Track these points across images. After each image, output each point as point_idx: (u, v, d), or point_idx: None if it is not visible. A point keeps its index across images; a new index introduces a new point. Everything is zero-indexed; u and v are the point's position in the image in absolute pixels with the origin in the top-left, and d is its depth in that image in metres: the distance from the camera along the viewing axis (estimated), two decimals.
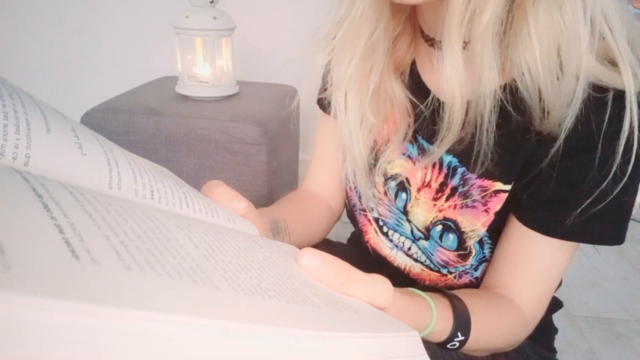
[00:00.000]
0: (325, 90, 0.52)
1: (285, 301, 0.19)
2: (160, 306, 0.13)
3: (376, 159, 0.52)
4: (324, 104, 0.57)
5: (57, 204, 0.16)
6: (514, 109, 0.40)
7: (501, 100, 0.40)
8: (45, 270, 0.11)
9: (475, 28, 0.37)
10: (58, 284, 0.11)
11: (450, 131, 0.42)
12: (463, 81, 0.39)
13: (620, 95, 0.36)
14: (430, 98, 0.46)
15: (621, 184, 0.37)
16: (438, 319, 0.36)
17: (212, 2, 1.03)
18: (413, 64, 0.51)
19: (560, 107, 0.37)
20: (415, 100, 0.49)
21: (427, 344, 0.37)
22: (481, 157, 0.42)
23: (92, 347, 0.11)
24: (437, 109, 0.47)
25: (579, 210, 0.39)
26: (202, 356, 0.13)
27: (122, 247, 0.15)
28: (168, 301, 0.13)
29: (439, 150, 0.44)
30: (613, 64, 0.37)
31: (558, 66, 0.37)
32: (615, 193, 0.38)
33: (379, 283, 0.29)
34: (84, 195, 0.18)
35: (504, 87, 0.40)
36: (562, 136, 0.38)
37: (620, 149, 0.36)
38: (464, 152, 0.44)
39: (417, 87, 0.50)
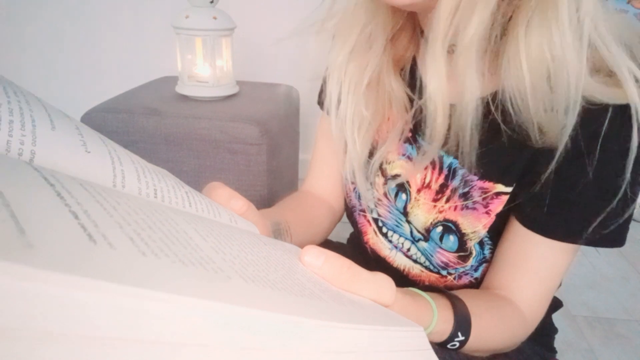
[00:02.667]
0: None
1: (294, 294, 0.19)
2: (177, 289, 0.13)
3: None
4: (325, 104, 0.57)
5: (69, 192, 0.16)
6: (504, 120, 0.40)
7: (489, 106, 0.40)
8: (66, 250, 0.12)
9: (460, 41, 0.36)
10: (79, 263, 0.11)
11: (436, 134, 0.42)
12: (445, 91, 0.39)
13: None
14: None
15: (623, 187, 0.37)
16: (439, 319, 0.37)
17: (212, 2, 1.03)
18: (414, 61, 0.50)
19: (555, 130, 0.37)
20: (414, 97, 0.49)
21: None
22: (466, 161, 0.43)
23: (112, 324, 0.11)
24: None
25: (579, 213, 0.39)
26: (215, 341, 0.13)
27: (136, 234, 0.15)
28: (185, 285, 0.13)
29: (431, 148, 0.43)
30: (610, 75, 0.36)
31: (550, 96, 0.36)
32: (616, 196, 0.38)
33: (383, 281, 0.29)
34: (94, 187, 0.18)
35: (494, 95, 0.40)
36: (561, 148, 0.37)
37: (619, 148, 0.36)
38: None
39: (415, 85, 0.49)
